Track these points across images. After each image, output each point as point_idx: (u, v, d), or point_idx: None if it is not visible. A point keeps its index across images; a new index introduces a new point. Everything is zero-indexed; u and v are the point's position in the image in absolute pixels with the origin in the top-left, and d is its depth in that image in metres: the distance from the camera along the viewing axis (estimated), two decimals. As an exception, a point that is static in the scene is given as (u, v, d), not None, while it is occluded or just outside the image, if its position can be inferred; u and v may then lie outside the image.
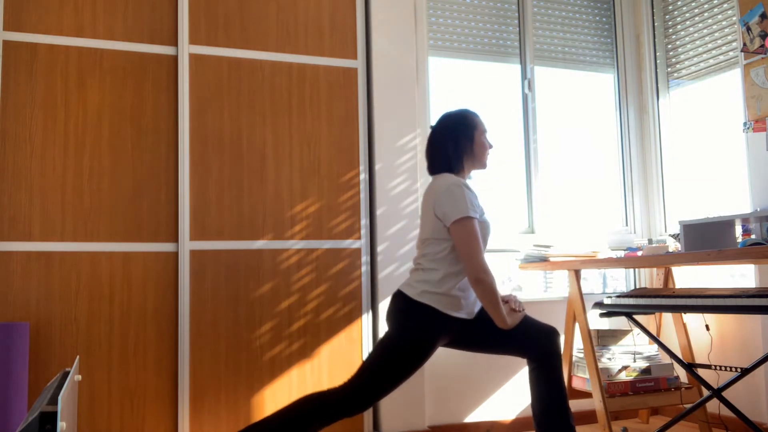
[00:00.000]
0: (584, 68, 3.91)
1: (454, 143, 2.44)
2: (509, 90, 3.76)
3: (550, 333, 2.40)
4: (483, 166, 2.52)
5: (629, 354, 3.21)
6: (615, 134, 3.96)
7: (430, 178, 3.43)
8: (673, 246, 3.10)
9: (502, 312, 2.32)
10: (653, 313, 3.55)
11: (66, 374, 1.81)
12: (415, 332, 2.29)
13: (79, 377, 1.96)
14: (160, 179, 2.95)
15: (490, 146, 2.53)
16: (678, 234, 3.14)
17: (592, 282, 3.87)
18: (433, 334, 2.30)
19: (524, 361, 3.44)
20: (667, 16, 3.83)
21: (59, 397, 1.32)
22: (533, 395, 2.39)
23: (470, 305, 2.39)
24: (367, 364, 2.30)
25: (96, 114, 2.89)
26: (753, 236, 2.84)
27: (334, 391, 2.28)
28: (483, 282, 2.26)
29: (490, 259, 3.55)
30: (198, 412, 2.90)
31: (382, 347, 2.30)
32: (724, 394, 3.28)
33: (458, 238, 2.29)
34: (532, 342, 2.38)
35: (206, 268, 2.96)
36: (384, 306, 3.18)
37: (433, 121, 3.48)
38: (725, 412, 3.27)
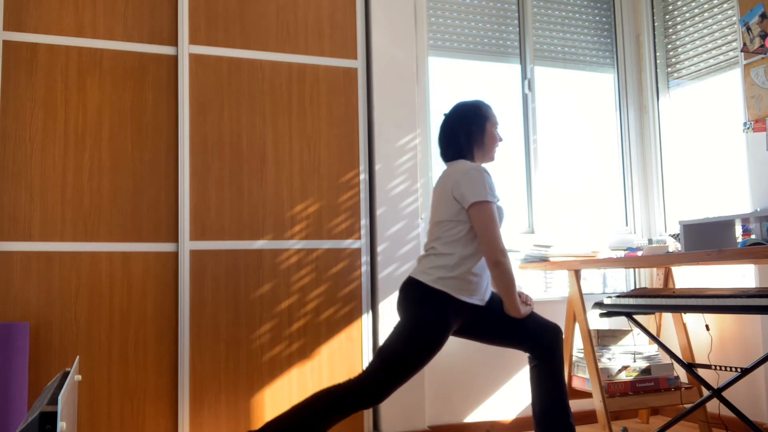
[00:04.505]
0: (584, 68, 3.91)
1: (466, 133, 2.47)
2: (509, 90, 3.76)
3: (555, 331, 2.40)
4: (491, 158, 2.54)
5: (629, 354, 3.21)
6: (615, 134, 3.96)
7: (429, 178, 3.44)
8: (673, 246, 3.10)
9: (516, 298, 2.33)
10: (653, 313, 3.55)
11: (66, 374, 1.81)
12: (432, 320, 2.28)
13: (79, 377, 1.96)
14: (160, 179, 2.95)
15: (501, 139, 2.55)
16: (678, 234, 3.14)
17: (592, 282, 3.87)
18: (449, 321, 2.30)
19: (525, 360, 3.44)
20: (667, 16, 3.83)
21: (59, 397, 1.32)
22: (534, 393, 2.39)
23: (483, 291, 2.39)
24: (384, 354, 2.28)
25: (96, 114, 2.89)
26: (753, 236, 2.84)
27: (350, 383, 2.28)
28: (502, 264, 2.29)
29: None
30: (198, 412, 2.90)
31: (398, 337, 2.29)
32: (724, 394, 3.28)
33: (478, 221, 2.30)
34: (537, 338, 2.38)
35: (206, 268, 2.96)
36: (384, 306, 3.18)
37: (434, 121, 3.49)
38: (725, 412, 3.27)
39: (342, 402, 2.24)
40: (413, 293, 2.33)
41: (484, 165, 2.55)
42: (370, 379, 2.26)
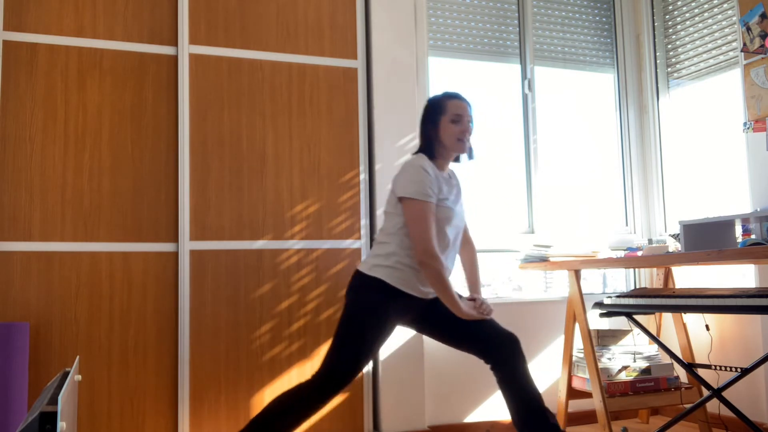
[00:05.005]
0: (584, 68, 3.91)
1: (423, 130, 2.47)
2: (509, 90, 3.76)
3: (511, 340, 2.34)
4: (459, 150, 2.41)
5: (629, 354, 3.21)
6: (615, 134, 3.96)
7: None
8: (673, 246, 3.10)
9: (453, 299, 2.28)
10: (653, 313, 3.55)
11: (66, 374, 1.81)
12: (365, 304, 2.31)
13: (79, 377, 1.96)
14: (160, 179, 2.95)
15: (466, 128, 2.40)
16: (678, 234, 3.14)
17: (592, 282, 3.87)
18: (386, 307, 2.32)
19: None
20: (667, 16, 3.83)
21: (59, 397, 1.32)
22: (508, 405, 2.32)
23: (421, 284, 2.37)
24: (332, 344, 2.33)
25: (96, 114, 2.89)
26: (753, 236, 2.84)
27: (307, 380, 2.32)
28: (428, 266, 2.26)
29: (489, 260, 3.56)
30: (198, 412, 2.90)
31: (339, 326, 2.34)
32: (724, 394, 3.28)
33: (408, 218, 2.31)
34: (491, 346, 2.33)
35: (206, 268, 2.96)
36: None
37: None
38: (725, 412, 3.27)
39: (303, 399, 2.27)
40: (352, 282, 2.39)
41: (466, 158, 2.51)
42: (323, 372, 2.30)
